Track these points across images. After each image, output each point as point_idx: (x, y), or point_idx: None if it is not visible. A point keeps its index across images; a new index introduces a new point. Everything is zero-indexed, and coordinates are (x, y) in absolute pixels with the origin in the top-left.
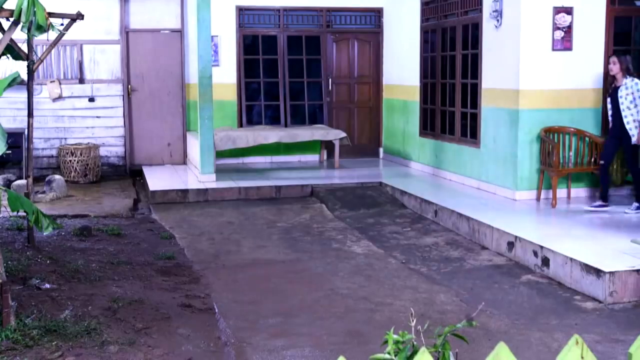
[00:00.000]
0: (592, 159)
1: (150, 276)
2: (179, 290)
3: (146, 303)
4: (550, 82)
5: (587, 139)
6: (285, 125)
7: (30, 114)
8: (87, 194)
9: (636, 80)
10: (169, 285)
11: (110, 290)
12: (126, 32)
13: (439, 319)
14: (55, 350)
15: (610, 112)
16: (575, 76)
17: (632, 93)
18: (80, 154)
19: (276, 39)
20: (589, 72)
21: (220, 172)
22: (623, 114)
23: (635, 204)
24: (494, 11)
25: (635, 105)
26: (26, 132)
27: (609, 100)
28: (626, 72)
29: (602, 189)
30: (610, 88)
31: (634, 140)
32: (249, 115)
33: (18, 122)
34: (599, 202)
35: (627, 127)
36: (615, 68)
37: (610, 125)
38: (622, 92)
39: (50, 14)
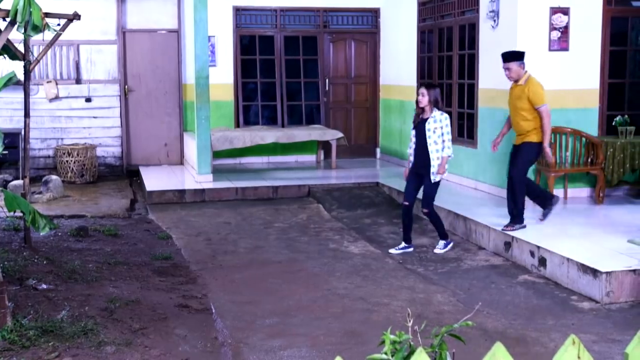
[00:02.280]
0: (589, 159)
1: (147, 276)
2: (176, 290)
3: (143, 303)
4: (546, 82)
5: (584, 139)
6: (282, 126)
7: (26, 114)
8: (84, 194)
9: (445, 114)
10: (166, 285)
11: (107, 291)
12: (123, 32)
13: (435, 319)
14: (52, 351)
15: (413, 147)
16: (572, 76)
17: (442, 127)
18: (77, 155)
19: (273, 39)
20: (585, 73)
21: (217, 172)
22: (429, 148)
23: (442, 242)
24: (490, 11)
25: (443, 141)
26: (23, 133)
27: (413, 132)
28: (434, 104)
29: (404, 230)
30: (416, 119)
31: (433, 178)
32: (246, 116)
33: (14, 122)
34: (402, 245)
35: (432, 163)
36: (424, 100)
37: (412, 160)
38: (430, 125)
39: (47, 14)
